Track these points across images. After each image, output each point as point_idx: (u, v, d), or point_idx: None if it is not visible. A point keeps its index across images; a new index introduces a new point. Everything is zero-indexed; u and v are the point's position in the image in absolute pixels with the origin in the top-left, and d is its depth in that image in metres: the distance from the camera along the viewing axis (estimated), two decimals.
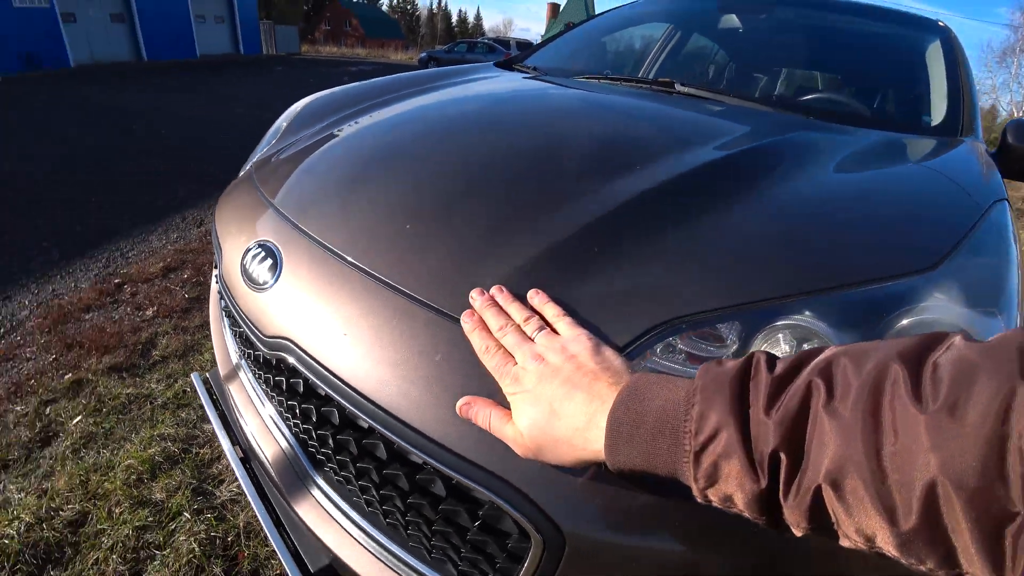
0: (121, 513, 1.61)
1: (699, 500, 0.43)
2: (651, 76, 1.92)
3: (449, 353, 0.63)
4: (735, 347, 0.58)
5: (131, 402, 2.18)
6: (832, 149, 1.06)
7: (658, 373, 0.51)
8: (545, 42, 2.38)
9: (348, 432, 0.73)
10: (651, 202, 0.82)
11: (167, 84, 14.07)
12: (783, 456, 0.37)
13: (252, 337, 0.85)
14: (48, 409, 2.14)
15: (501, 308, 0.62)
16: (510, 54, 2.38)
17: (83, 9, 17.78)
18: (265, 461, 0.93)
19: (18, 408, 2.14)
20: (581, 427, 0.48)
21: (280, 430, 0.93)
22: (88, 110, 9.56)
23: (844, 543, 0.38)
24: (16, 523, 1.54)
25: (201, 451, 1.89)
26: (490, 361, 0.57)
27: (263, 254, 0.87)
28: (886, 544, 0.35)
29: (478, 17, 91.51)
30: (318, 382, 0.72)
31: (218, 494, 1.71)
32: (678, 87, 1.45)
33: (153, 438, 1.93)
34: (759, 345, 0.57)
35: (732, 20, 1.93)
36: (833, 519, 0.37)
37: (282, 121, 1.60)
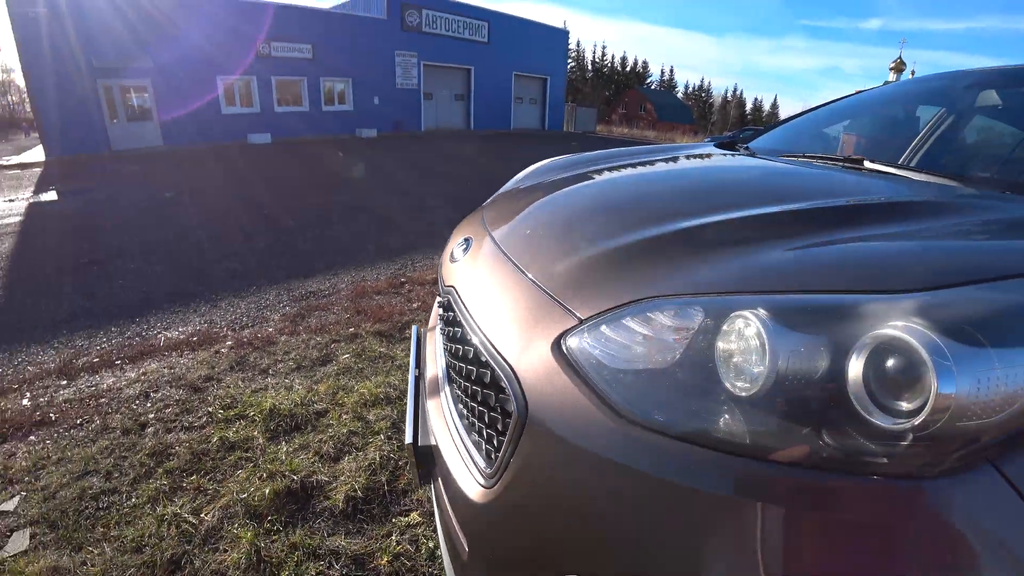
0: (345, 419, 2.17)
1: None
2: (901, 160, 1.79)
3: (530, 308, 0.88)
4: (700, 322, 0.67)
5: (380, 357, 2.86)
6: (974, 211, 0.94)
7: None
8: (776, 124, 2.37)
9: (463, 344, 1.02)
10: (699, 230, 0.95)
11: (488, 145, 17.48)
12: None
13: (441, 288, 1.27)
14: (332, 345, 2.97)
15: None
16: None
17: (438, 91, 23.83)
18: (427, 377, 1.31)
19: (317, 339, 3.02)
20: None
21: (440, 361, 1.28)
22: (436, 155, 12.56)
23: None
24: (289, 401, 2.23)
25: None
26: None
27: (464, 243, 1.33)
28: None
29: (774, 105, 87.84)
30: (458, 312, 1.06)
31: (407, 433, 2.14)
32: (867, 163, 1.40)
33: (383, 383, 2.51)
34: (725, 327, 0.64)
35: (991, 97, 1.69)
36: None
37: (521, 173, 2.14)
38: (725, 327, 0.62)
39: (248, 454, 1.90)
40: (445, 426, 1.07)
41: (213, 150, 14.75)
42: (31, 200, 7.92)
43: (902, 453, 0.53)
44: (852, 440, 0.55)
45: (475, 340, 0.93)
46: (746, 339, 0.60)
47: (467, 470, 0.89)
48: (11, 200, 7.94)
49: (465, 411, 1.01)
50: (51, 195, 8.38)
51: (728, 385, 0.60)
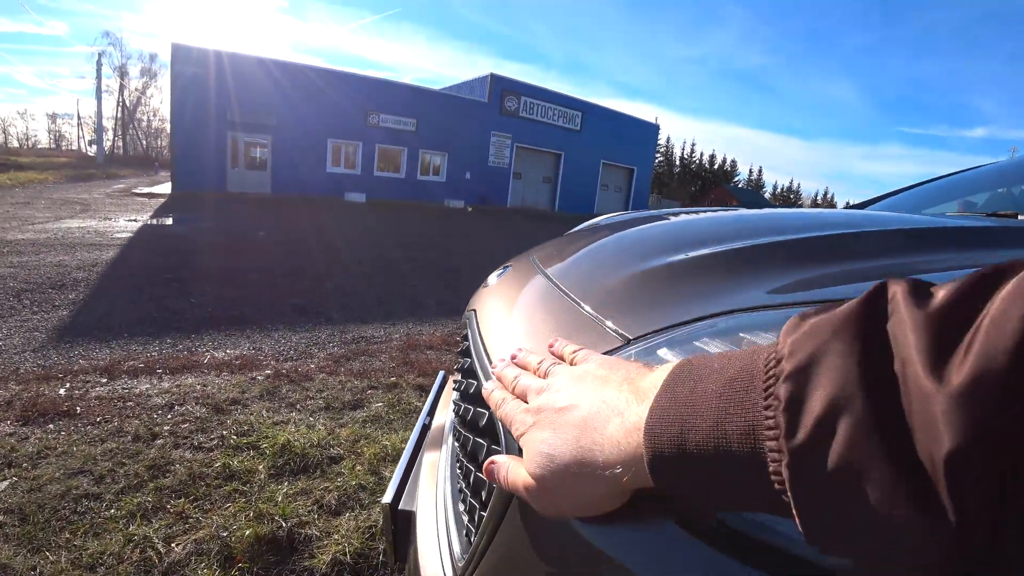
0: (359, 470, 1.97)
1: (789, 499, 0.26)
2: None
3: (557, 327, 0.68)
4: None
5: (414, 412, 2.68)
6: None
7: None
8: (891, 193, 2.11)
9: (470, 377, 0.81)
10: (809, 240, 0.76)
11: (569, 226, 17.83)
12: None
13: (465, 314, 1.09)
14: (369, 391, 2.83)
15: (518, 366, 0.53)
16: None
17: (527, 171, 24.93)
18: (433, 427, 1.12)
19: (355, 382, 2.90)
20: (596, 432, 0.36)
21: (451, 410, 1.09)
22: (517, 229, 12.91)
23: None
24: (304, 440, 2.07)
25: None
26: (502, 413, 0.47)
27: (502, 269, 1.20)
28: None
29: None
30: (471, 339, 0.87)
31: None
32: (1021, 217, 1.15)
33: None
34: None
35: None
36: None
37: (582, 223, 2.02)
38: None
39: (245, 487, 1.73)
40: (433, 488, 0.85)
41: (312, 201, 16.01)
42: (146, 222, 8.80)
43: None
44: None
45: (479, 367, 0.72)
46: None
47: (438, 555, 0.65)
48: (132, 220, 8.87)
49: (459, 471, 0.79)
50: (167, 220, 9.29)
51: None
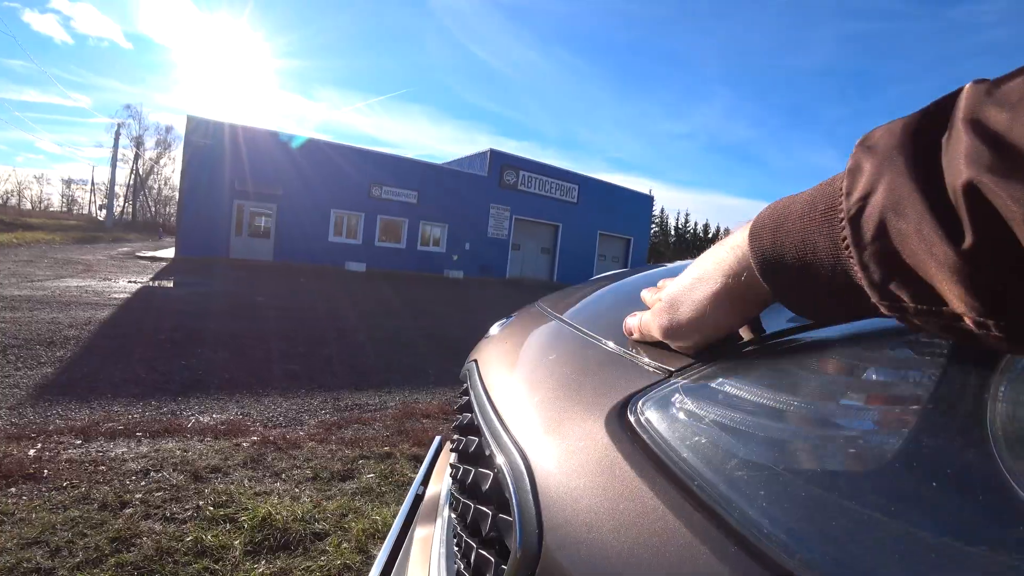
0: (345, 548, 1.80)
1: (881, 306, 0.30)
2: None
3: (576, 368, 0.59)
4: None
5: (408, 483, 2.51)
6: None
7: None
8: None
9: (470, 434, 0.72)
10: None
11: None
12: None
13: (465, 367, 0.99)
14: (360, 461, 2.67)
15: None
16: None
17: (526, 243, 25.37)
18: (427, 497, 1.01)
19: (346, 451, 2.75)
20: (718, 259, 0.42)
21: (447, 478, 0.99)
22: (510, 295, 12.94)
23: None
24: (287, 513, 1.91)
25: None
26: (640, 319, 0.54)
27: (505, 319, 1.13)
28: None
29: None
30: (472, 392, 0.78)
31: None
32: None
33: None
34: None
35: None
36: None
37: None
38: None
39: (217, 566, 1.56)
40: (425, 572, 0.73)
41: (313, 270, 16.15)
42: (146, 284, 8.79)
43: None
44: None
45: (481, 420, 0.62)
46: None
47: None
48: (132, 282, 8.87)
49: (457, 550, 0.68)
50: (167, 283, 9.29)
51: None
